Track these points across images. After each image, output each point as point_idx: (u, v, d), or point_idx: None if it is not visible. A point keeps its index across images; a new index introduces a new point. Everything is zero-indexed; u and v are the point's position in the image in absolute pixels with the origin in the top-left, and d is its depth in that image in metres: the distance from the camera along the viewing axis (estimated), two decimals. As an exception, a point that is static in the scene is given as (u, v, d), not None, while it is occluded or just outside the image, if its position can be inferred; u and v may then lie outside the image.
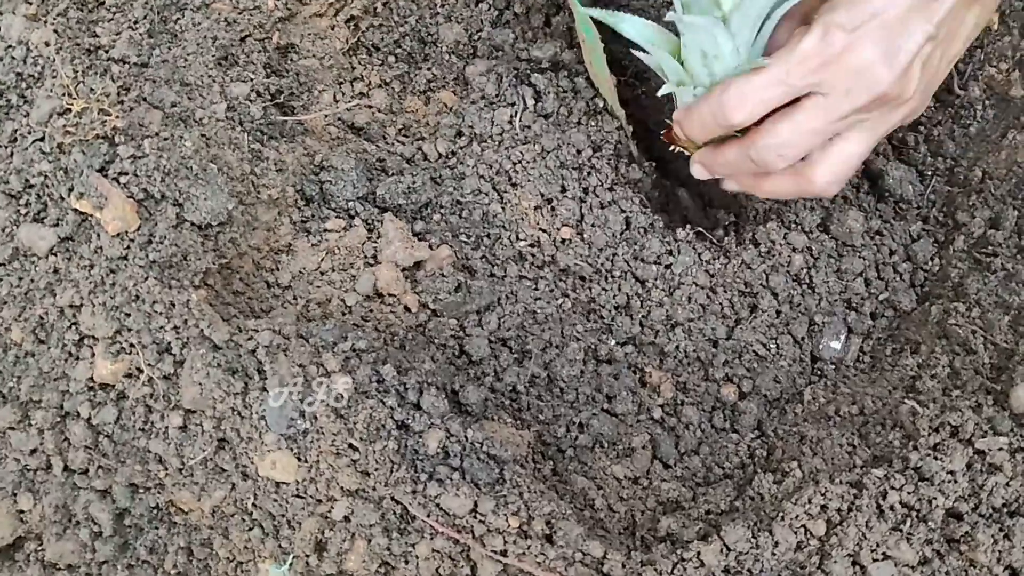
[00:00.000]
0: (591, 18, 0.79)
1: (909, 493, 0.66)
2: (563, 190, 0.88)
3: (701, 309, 0.86)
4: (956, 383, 0.75)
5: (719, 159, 0.78)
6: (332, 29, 0.95)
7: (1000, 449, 0.67)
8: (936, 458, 0.67)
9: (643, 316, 0.87)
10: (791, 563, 0.65)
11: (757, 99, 0.70)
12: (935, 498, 0.66)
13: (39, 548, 0.71)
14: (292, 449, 0.69)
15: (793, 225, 0.87)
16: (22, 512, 0.72)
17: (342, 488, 0.69)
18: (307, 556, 0.68)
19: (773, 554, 0.66)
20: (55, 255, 0.74)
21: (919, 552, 0.64)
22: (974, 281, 0.80)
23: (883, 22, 0.67)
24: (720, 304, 0.87)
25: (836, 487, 0.68)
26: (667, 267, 0.87)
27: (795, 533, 0.66)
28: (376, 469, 0.68)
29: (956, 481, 0.66)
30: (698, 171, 0.82)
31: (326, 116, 0.92)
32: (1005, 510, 0.65)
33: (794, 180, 0.75)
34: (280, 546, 0.69)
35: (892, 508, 0.66)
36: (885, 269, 0.87)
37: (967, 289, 0.80)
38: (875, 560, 0.64)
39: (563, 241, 0.88)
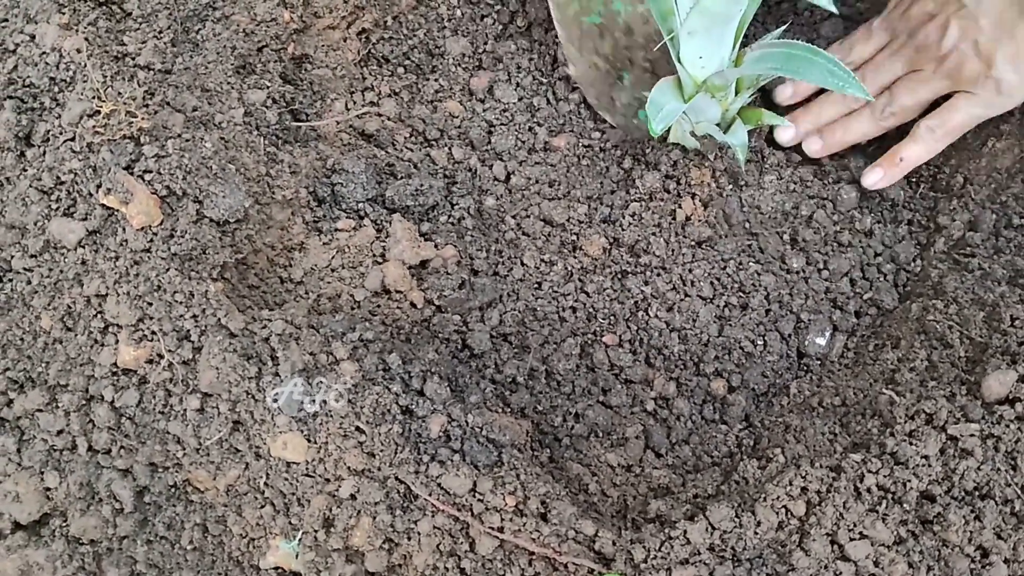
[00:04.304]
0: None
1: (885, 476, 0.69)
2: (575, 194, 0.91)
3: (694, 309, 0.89)
4: (933, 375, 0.77)
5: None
6: (344, 41, 0.98)
7: (972, 435, 0.69)
8: (911, 443, 0.70)
9: (639, 313, 0.89)
10: (772, 541, 0.68)
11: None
12: (910, 481, 0.68)
13: (64, 524, 0.73)
14: (302, 431, 0.72)
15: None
16: (48, 489, 0.74)
17: (349, 468, 0.71)
18: (315, 532, 0.71)
19: (756, 533, 0.68)
20: (83, 247, 0.76)
21: (894, 532, 0.67)
22: (952, 280, 0.82)
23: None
24: (715, 303, 0.89)
25: (816, 470, 0.70)
26: (664, 268, 0.90)
27: (776, 513, 0.69)
28: (381, 450, 0.71)
29: (930, 465, 0.69)
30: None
31: (338, 123, 0.95)
32: (976, 493, 0.68)
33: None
34: (290, 522, 0.71)
35: (869, 490, 0.69)
36: (870, 269, 0.89)
37: (946, 287, 0.82)
38: (852, 539, 0.67)
39: (563, 243, 0.92)
